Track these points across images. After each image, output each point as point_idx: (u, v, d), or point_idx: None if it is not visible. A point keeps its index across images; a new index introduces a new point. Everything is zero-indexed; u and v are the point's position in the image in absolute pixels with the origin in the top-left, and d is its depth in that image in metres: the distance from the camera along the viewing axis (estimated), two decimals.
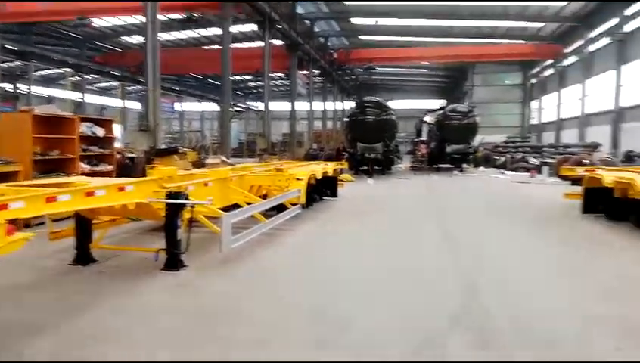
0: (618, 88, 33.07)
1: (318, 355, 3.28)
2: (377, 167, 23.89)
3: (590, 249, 7.08)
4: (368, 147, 23.34)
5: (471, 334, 3.65)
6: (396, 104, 46.04)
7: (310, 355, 3.28)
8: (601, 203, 9.76)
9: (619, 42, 32.88)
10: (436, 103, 43.85)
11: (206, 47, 40.42)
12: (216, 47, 30.30)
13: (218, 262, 5.85)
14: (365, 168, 23.51)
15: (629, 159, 24.75)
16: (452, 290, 4.80)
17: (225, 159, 13.36)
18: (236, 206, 7.33)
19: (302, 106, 36.49)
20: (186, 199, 5.65)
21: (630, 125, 30.93)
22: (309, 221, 8.94)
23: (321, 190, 11.55)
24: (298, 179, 8.98)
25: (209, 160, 12.33)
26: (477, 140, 33.30)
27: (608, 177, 9.35)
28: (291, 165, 12.02)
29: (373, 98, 25.26)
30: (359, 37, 45.07)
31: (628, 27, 31.89)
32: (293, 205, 8.69)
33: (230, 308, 4.28)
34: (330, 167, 12.17)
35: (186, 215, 5.70)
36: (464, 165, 28.35)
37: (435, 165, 28.66)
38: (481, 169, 30.13)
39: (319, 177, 10.67)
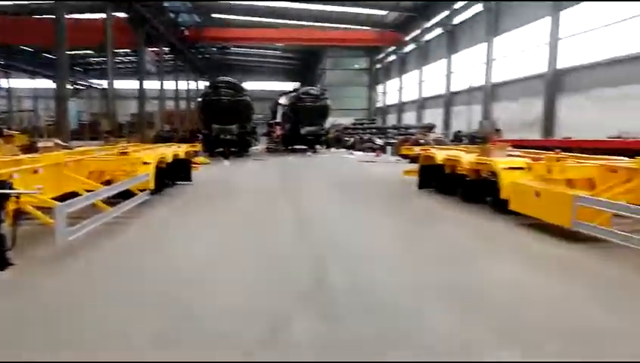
0: (449, 74, 36.84)
1: (155, 355, 3.11)
2: (233, 149, 23.64)
3: (423, 221, 7.83)
4: (224, 128, 22.95)
5: (318, 309, 3.82)
6: (252, 85, 45.81)
7: (148, 355, 3.10)
8: (434, 179, 10.84)
9: (449, 33, 36.53)
10: (292, 85, 44.67)
11: (38, 16, 35.84)
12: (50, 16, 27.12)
13: (52, 257, 5.30)
14: (221, 150, 23.12)
15: (458, 138, 27.86)
16: (301, 267, 4.96)
17: (60, 142, 12.06)
18: (75, 195, 6.68)
19: (152, 85, 34.41)
20: (10, 188, 5.01)
21: (458, 108, 34.77)
22: (160, 208, 8.53)
23: (174, 174, 11.07)
24: (145, 163, 8.47)
25: (40, 144, 11.00)
26: (329, 122, 34.69)
27: (440, 155, 10.41)
28: (139, 148, 11.30)
29: (227, 79, 24.79)
30: (211, 15, 43.72)
31: (456, 20, 35.55)
32: (142, 191, 8.20)
33: (66, 308, 3.90)
34: (182, 150, 11.70)
35: (11, 206, 5.05)
36: (317, 146, 29.36)
37: (290, 147, 29.24)
38: (333, 149, 31.55)
39: (170, 160, 10.20)
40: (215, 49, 53.64)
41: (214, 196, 10.36)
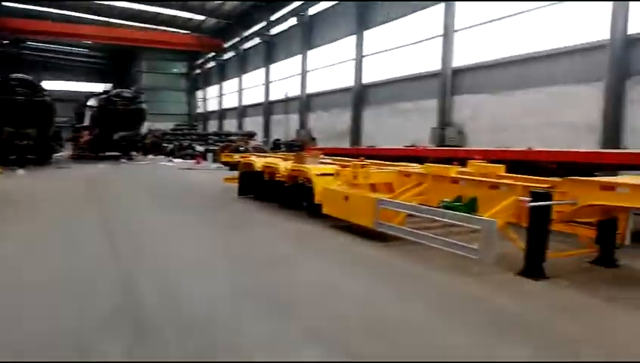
0: (267, 84, 37.90)
1: None
2: (30, 156, 20.85)
3: (242, 227, 7.87)
4: (18, 132, 20.12)
5: (130, 327, 3.55)
6: (54, 85, 41.06)
7: None
8: (254, 185, 10.99)
9: (267, 43, 37.61)
10: (102, 86, 41.23)
11: None
12: None
13: None
14: (15, 157, 20.21)
15: (277, 146, 28.79)
16: (110, 288, 4.57)
17: None
18: None
19: None
20: None
21: (277, 116, 35.98)
22: None
23: None
24: None
25: None
26: (146, 127, 32.89)
27: (259, 162, 10.62)
28: None
29: (22, 76, 21.73)
30: (2, 3, 38.09)
31: (273, 30, 36.77)
32: None
33: None
34: None
35: None
36: (133, 153, 27.61)
37: (101, 153, 26.94)
38: (150, 156, 29.98)
39: None
40: (7, 41, 46.77)
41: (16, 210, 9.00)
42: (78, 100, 34.66)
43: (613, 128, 12.45)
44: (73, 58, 57.62)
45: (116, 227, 7.66)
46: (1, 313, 3.86)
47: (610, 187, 4.66)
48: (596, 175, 7.55)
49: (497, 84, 16.98)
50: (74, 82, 58.05)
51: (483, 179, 6.23)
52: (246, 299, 4.24)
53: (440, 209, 5.73)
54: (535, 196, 4.92)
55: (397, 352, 3.23)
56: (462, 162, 7.53)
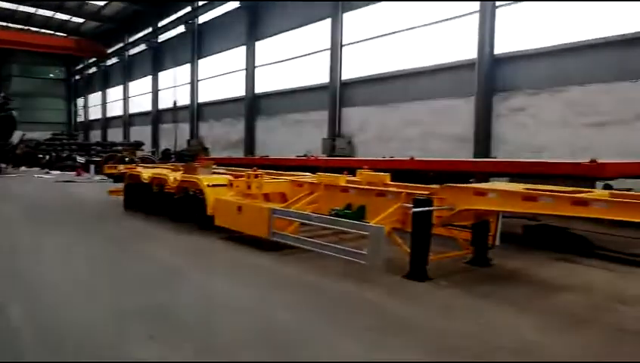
0: (156, 92, 36.42)
1: None
2: None
3: (128, 243, 7.45)
4: None
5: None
6: None
7: None
8: (141, 198, 10.46)
9: (154, 50, 36.14)
10: None
11: None
12: None
13: None
14: None
15: (167, 156, 27.71)
16: None
17: None
18: None
19: None
20: None
21: (166, 126, 34.63)
22: None
23: None
24: None
25: None
26: (17, 136, 29.96)
27: (146, 173, 10.13)
28: None
29: None
30: None
31: (161, 37, 35.45)
32: None
33: None
34: None
35: None
36: (2, 165, 24.97)
37: None
38: (23, 168, 27.31)
39: None
40: None
41: None
42: None
43: (483, 139, 13.70)
44: None
45: None
46: None
47: (482, 193, 5.12)
48: (471, 182, 8.27)
49: (383, 97, 17.89)
50: None
51: (371, 188, 6.51)
52: (130, 320, 4.01)
53: (332, 217, 5.89)
54: (417, 202, 5.25)
55: (282, 357, 3.25)
56: (352, 171, 7.81)
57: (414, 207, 5.16)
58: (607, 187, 7.97)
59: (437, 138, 15.21)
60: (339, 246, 5.59)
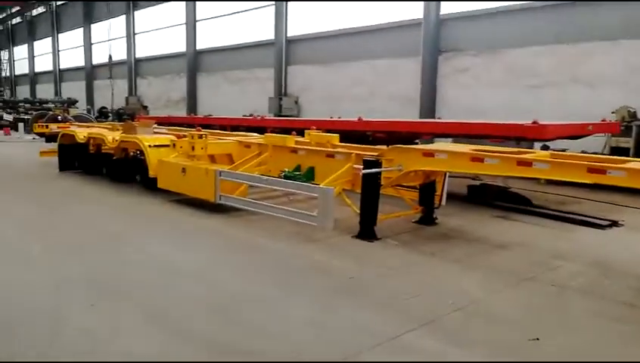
0: (89, 45, 34.23)
1: None
2: None
3: (63, 206, 7.06)
4: None
5: None
6: None
7: None
8: (77, 159, 9.91)
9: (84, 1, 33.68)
10: None
11: None
12: None
13: None
14: None
15: (104, 115, 26.38)
16: None
17: None
18: None
19: None
20: None
21: (102, 82, 32.70)
22: None
23: None
24: None
25: None
26: None
27: (81, 133, 9.57)
28: None
29: None
30: None
31: None
32: None
33: None
34: None
35: None
36: None
37: None
38: None
39: None
40: None
41: None
42: None
43: (429, 100, 13.87)
44: None
45: None
46: None
47: (430, 154, 5.16)
48: (416, 143, 8.37)
49: (330, 55, 17.63)
50: None
51: (320, 149, 6.44)
52: (69, 289, 3.80)
53: (281, 179, 5.79)
54: (367, 163, 5.24)
55: (238, 328, 3.18)
56: (300, 132, 7.69)
57: (364, 168, 5.14)
58: (544, 148, 8.32)
59: (383, 98, 15.26)
60: (288, 208, 5.53)
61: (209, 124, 11.32)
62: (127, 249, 4.92)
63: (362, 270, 4.41)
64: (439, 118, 12.43)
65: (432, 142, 8.26)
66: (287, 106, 18.32)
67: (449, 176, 6.38)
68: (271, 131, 9.16)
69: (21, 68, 45.91)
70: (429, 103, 13.88)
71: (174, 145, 7.31)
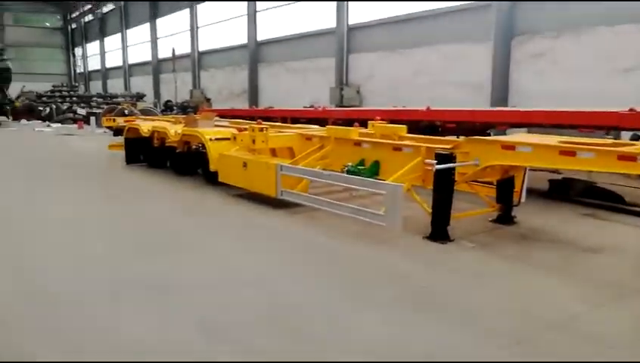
0: (155, 40, 35.27)
1: None
2: None
3: (128, 200, 7.08)
4: None
5: None
6: None
7: None
8: (142, 152, 10.02)
9: None
10: None
11: None
12: None
13: None
14: None
15: (169, 108, 27.08)
16: None
17: None
18: None
19: None
20: None
21: (167, 75, 33.63)
22: None
23: None
24: None
25: None
26: (16, 88, 29.30)
27: (145, 126, 9.64)
28: None
29: None
30: None
31: None
32: None
33: None
34: None
35: None
36: (1, 118, 24.48)
37: None
38: (23, 121, 26.77)
39: None
40: None
41: None
42: None
43: (501, 87, 13.01)
44: None
45: None
46: None
47: (511, 147, 4.62)
48: (489, 134, 7.75)
49: (393, 42, 17.02)
50: None
51: (386, 141, 6.01)
52: (126, 290, 3.64)
53: (344, 175, 5.44)
54: (440, 158, 4.78)
55: (304, 346, 2.88)
56: (363, 123, 7.29)
57: (437, 163, 4.68)
58: (635, 137, 7.45)
59: (450, 86, 14.52)
60: (352, 206, 5.17)
61: (269, 116, 11.14)
62: (186, 248, 4.76)
63: (436, 276, 3.99)
64: (513, 106, 11.59)
65: (504, 133, 7.62)
66: (349, 96, 17.91)
67: (531, 169, 5.79)
68: (333, 123, 8.84)
69: (94, 64, 48.18)
70: (500, 90, 13.02)
71: (235, 138, 7.13)
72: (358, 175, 5.37)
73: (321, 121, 9.52)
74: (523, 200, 5.66)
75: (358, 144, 6.17)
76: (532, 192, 6.38)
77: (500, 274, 4.07)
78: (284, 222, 5.70)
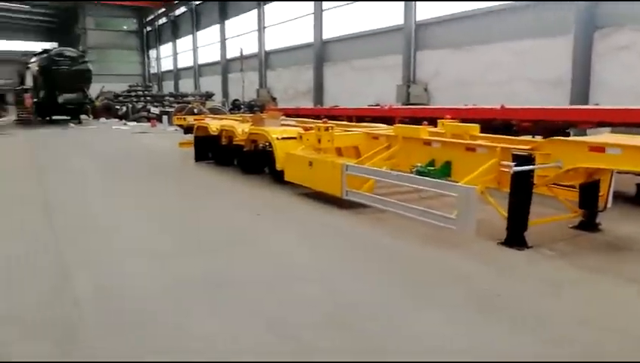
0: (224, 41, 36.24)
1: None
2: None
3: (197, 197, 7.24)
4: None
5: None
6: None
7: None
8: (211, 150, 10.25)
9: None
10: (46, 46, 38.39)
11: None
12: None
13: None
14: None
15: (236, 107, 27.70)
16: (44, 273, 3.93)
17: None
18: None
19: None
20: None
21: (235, 75, 34.47)
22: None
23: None
24: None
25: None
26: (97, 89, 31.07)
27: (214, 125, 9.86)
28: None
29: None
30: None
31: None
32: None
33: None
34: None
35: None
36: (83, 117, 26.01)
37: (46, 118, 25.26)
38: (102, 119, 28.35)
39: None
40: None
41: None
42: (17, 61, 32.20)
43: (582, 83, 12.20)
44: (12, 15, 53.34)
45: (61, 204, 6.86)
46: None
47: (599, 149, 4.25)
48: (568, 134, 7.24)
49: (462, 38, 16.46)
50: (13, 41, 53.76)
51: (459, 141, 5.75)
52: (189, 288, 3.67)
53: (414, 176, 5.25)
54: (518, 159, 4.48)
55: (361, 346, 2.75)
56: (432, 122, 7.04)
57: (516, 165, 4.39)
58: None
59: (523, 83, 13.82)
60: (422, 208, 4.97)
61: (334, 115, 11.06)
62: (251, 244, 4.76)
63: (513, 286, 3.73)
64: (596, 104, 10.82)
65: (585, 133, 7.10)
66: (416, 93, 17.51)
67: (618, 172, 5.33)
68: (400, 122, 8.62)
69: (167, 64, 50.28)
70: (581, 86, 12.20)
71: (301, 137, 7.10)
72: (428, 177, 5.16)
73: (387, 120, 9.32)
74: (609, 205, 5.22)
75: (428, 143, 5.95)
76: (617, 197, 5.89)
77: (583, 285, 3.74)
78: (349, 222, 5.59)
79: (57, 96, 23.78)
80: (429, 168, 5.49)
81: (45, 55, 25.05)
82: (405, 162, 6.02)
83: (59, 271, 4.04)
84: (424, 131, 6.15)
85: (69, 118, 25.18)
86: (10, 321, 3.15)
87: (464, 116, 7.87)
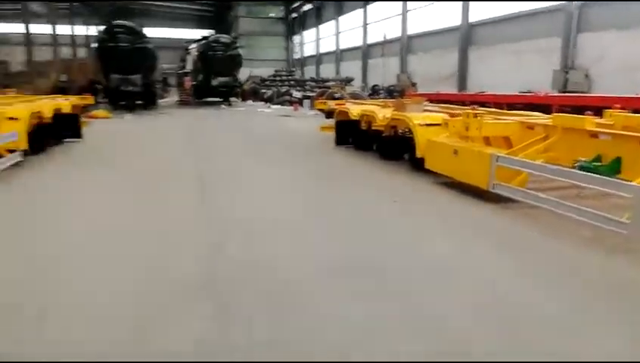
0: (365, 26, 36.29)
1: None
2: (139, 102, 21.79)
3: (338, 182, 7.30)
4: (124, 78, 20.97)
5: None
6: (158, 32, 42.56)
7: None
8: (350, 135, 10.30)
9: None
10: (203, 33, 41.99)
11: None
12: None
13: None
14: (124, 103, 21.23)
15: (375, 92, 27.67)
16: (197, 243, 4.26)
17: None
18: None
19: (43, 29, 30.86)
20: None
21: (375, 60, 34.46)
22: (37, 171, 7.32)
23: (59, 130, 9.73)
24: (12, 119, 7.15)
25: None
26: (245, 73, 33.16)
27: (355, 110, 9.87)
28: (12, 100, 9.76)
29: (124, 23, 22.30)
30: None
31: None
32: (11, 152, 6.98)
33: None
34: (67, 103, 10.25)
35: None
36: (232, 99, 28.00)
37: (202, 99, 27.65)
38: (249, 102, 30.27)
39: (49, 115, 8.83)
40: None
41: (104, 156, 9.20)
42: (179, 47, 35.62)
43: None
44: (175, 6, 58.92)
45: (215, 178, 7.44)
46: None
47: None
48: None
49: (631, 17, 14.43)
50: (177, 29, 59.40)
51: (633, 134, 5.02)
52: (333, 274, 3.67)
53: (577, 172, 4.70)
54: None
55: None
56: (596, 112, 6.26)
57: None
58: None
59: None
60: (584, 208, 4.41)
61: (481, 101, 10.45)
62: (392, 236, 4.65)
63: None
64: None
65: None
66: (575, 80, 15.82)
67: None
68: (558, 111, 7.83)
69: (309, 50, 51.96)
70: None
71: (446, 124, 6.78)
72: (594, 173, 4.58)
73: (542, 108, 8.57)
74: None
75: (594, 136, 5.29)
76: None
77: None
78: (496, 216, 5.20)
79: (211, 79, 25.86)
80: (595, 163, 4.88)
81: (204, 41, 27.38)
82: (565, 156, 5.43)
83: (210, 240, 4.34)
84: (590, 121, 5.47)
85: (221, 100, 27.26)
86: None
87: (637, 106, 6.88)
